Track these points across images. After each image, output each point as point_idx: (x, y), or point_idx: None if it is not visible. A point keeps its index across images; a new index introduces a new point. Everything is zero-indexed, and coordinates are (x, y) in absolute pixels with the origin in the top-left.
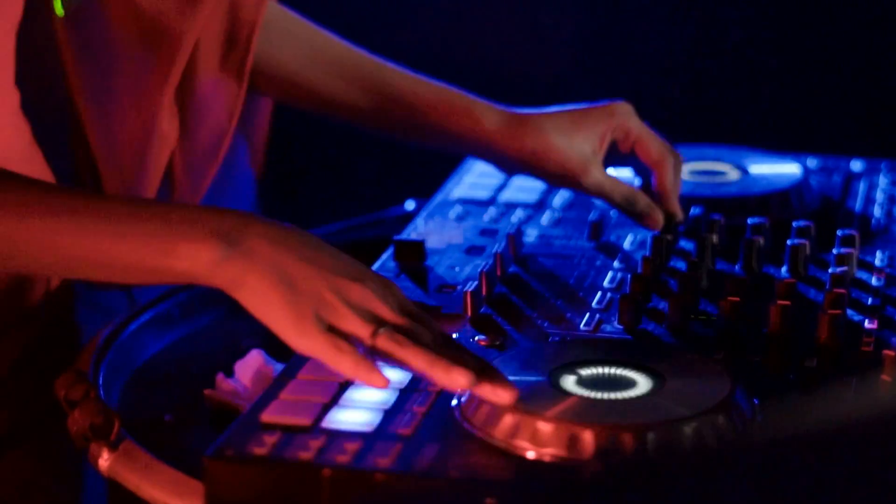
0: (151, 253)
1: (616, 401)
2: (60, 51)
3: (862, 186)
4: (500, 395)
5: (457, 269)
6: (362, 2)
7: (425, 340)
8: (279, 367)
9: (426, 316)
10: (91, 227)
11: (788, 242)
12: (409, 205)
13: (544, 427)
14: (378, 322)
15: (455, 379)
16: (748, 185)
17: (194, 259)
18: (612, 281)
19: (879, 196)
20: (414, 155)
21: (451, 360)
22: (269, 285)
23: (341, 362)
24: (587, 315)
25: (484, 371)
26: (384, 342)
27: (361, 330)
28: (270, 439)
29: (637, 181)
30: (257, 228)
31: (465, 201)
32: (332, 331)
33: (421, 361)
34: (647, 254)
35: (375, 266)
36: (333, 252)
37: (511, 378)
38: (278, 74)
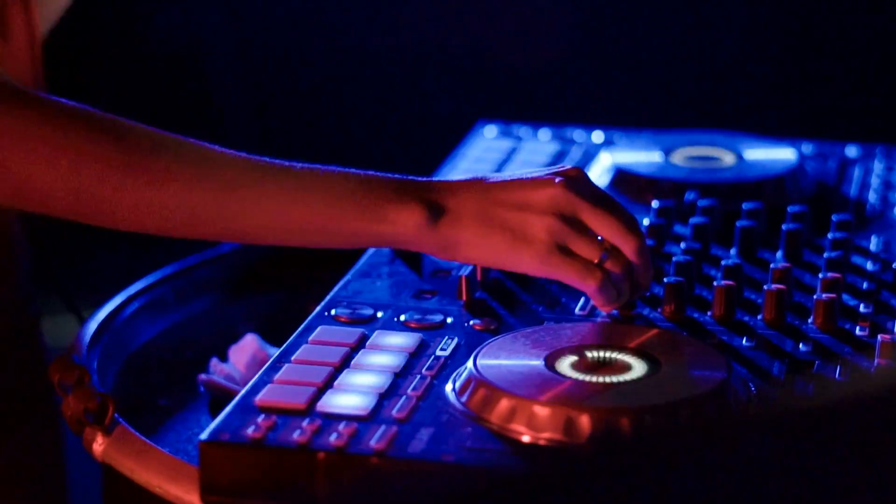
0: (361, 218)
1: (612, 384)
2: None
3: (857, 172)
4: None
5: None
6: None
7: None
8: (273, 351)
9: (620, 206)
10: (301, 194)
11: (783, 227)
12: None
13: (540, 411)
14: (600, 244)
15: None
16: (743, 170)
17: (403, 223)
18: None
19: (874, 181)
20: (414, 133)
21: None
22: (488, 234)
23: (590, 282)
24: (582, 300)
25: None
26: (612, 264)
27: (592, 253)
28: (265, 423)
29: None
30: (450, 189)
31: None
32: (571, 254)
33: (646, 274)
34: None
35: (371, 251)
36: (515, 176)
37: (506, 362)
38: None
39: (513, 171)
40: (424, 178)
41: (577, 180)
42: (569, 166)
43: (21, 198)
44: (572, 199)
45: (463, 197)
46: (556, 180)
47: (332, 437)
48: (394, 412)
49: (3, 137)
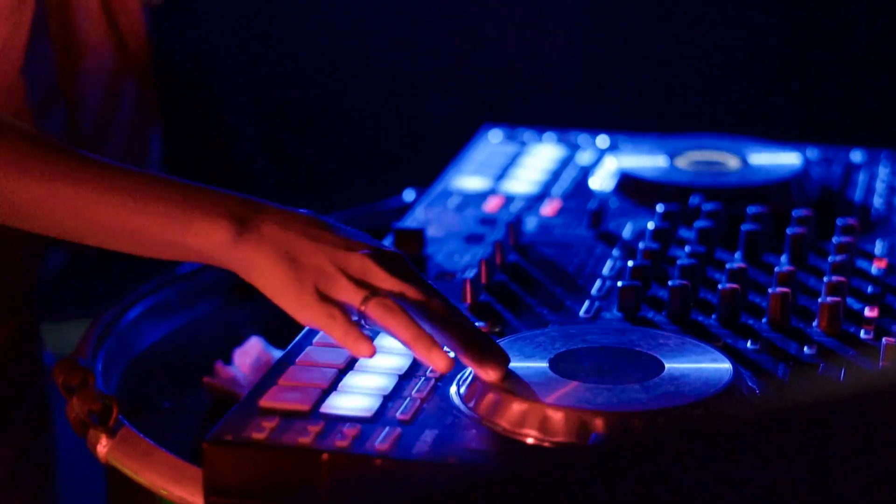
0: (169, 227)
1: (616, 387)
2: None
3: (862, 177)
4: (487, 374)
5: (456, 257)
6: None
7: (422, 310)
8: (278, 354)
9: (432, 288)
10: (114, 196)
11: (788, 231)
12: (409, 195)
13: (545, 413)
14: (371, 289)
15: (433, 360)
16: (748, 174)
17: (208, 237)
18: (611, 269)
19: (879, 186)
20: (412, 145)
21: (450, 334)
22: (275, 264)
23: (332, 328)
24: (587, 303)
25: (479, 348)
26: (374, 308)
27: (353, 297)
28: (269, 424)
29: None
30: (269, 212)
31: (464, 190)
32: (328, 300)
33: (406, 332)
34: (647, 242)
35: None
36: (341, 229)
37: (512, 365)
38: None
39: (349, 229)
40: (254, 198)
41: (389, 257)
42: (387, 243)
43: None
44: (372, 268)
45: (276, 221)
46: (363, 251)
47: (337, 439)
48: (398, 414)
49: None
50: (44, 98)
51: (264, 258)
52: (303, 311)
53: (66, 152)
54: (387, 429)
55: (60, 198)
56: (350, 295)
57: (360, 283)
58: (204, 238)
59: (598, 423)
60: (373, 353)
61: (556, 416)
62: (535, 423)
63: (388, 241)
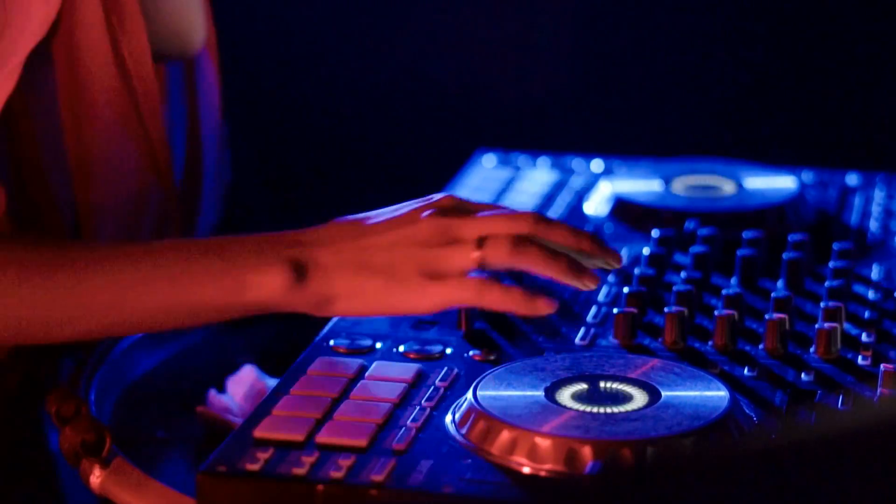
0: (221, 291)
1: (613, 415)
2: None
3: (858, 200)
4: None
5: None
6: (357, 16)
7: (526, 240)
8: (272, 382)
9: (511, 210)
10: (155, 274)
11: (784, 256)
12: None
13: (540, 442)
14: (471, 242)
15: (584, 282)
16: (744, 198)
17: (267, 288)
18: (607, 295)
19: (875, 210)
20: (412, 162)
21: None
22: (361, 284)
23: (486, 296)
24: (582, 330)
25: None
26: (493, 253)
27: (462, 257)
28: (263, 455)
29: None
30: (312, 243)
31: None
32: (440, 276)
33: (542, 263)
34: (643, 268)
35: None
36: (377, 214)
37: (505, 393)
38: None
39: (376, 211)
40: (283, 231)
41: (445, 206)
42: (439, 196)
43: None
44: (439, 222)
45: (326, 248)
46: (423, 214)
47: (331, 470)
48: (393, 444)
49: None
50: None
51: (341, 285)
52: (423, 300)
53: (93, 245)
54: (382, 459)
55: (96, 292)
56: (457, 257)
57: (457, 246)
58: (263, 291)
59: (595, 453)
60: (554, 306)
61: (551, 445)
62: (531, 451)
63: None
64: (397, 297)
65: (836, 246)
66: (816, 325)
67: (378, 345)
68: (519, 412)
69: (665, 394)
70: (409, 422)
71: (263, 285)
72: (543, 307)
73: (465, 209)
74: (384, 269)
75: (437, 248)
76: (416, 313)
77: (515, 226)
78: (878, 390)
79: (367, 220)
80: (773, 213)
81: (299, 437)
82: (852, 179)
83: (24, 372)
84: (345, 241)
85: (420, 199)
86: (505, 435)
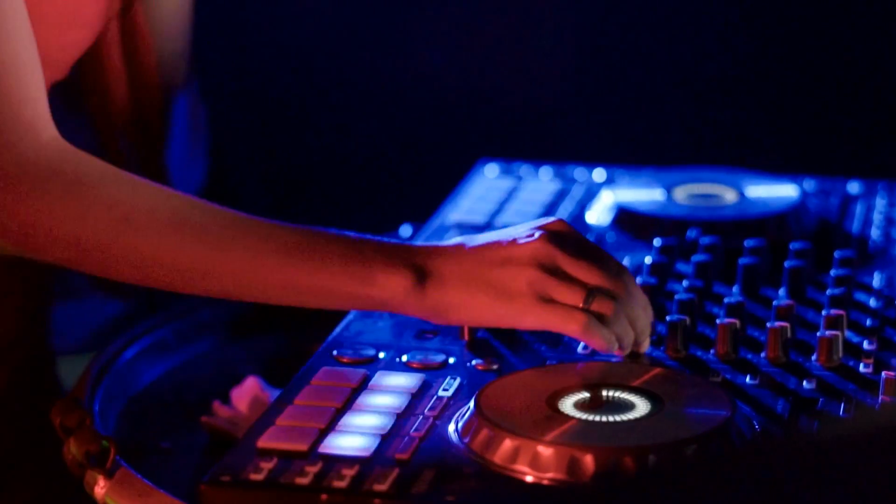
0: (351, 281)
1: (615, 424)
2: None
3: (859, 208)
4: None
5: None
6: (360, 26)
7: (625, 306)
8: (275, 392)
9: (625, 273)
10: (295, 256)
11: (786, 264)
12: (405, 230)
13: (543, 451)
14: (584, 290)
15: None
16: (745, 207)
17: (392, 288)
18: None
19: (877, 217)
20: (414, 172)
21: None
22: (471, 294)
23: (590, 336)
24: None
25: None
26: (598, 308)
27: (576, 301)
28: (267, 465)
29: None
30: (438, 253)
31: (461, 225)
32: (544, 300)
33: (621, 331)
34: (645, 277)
35: None
36: (497, 236)
37: (508, 402)
38: None
39: (497, 231)
40: (411, 243)
41: (558, 233)
42: (553, 219)
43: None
44: (552, 250)
45: (448, 260)
46: (537, 234)
47: (335, 479)
48: (396, 453)
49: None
50: None
51: (456, 294)
52: (528, 318)
53: (236, 216)
54: (385, 468)
55: (235, 262)
56: (571, 295)
57: (571, 282)
58: (387, 290)
59: (598, 461)
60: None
61: (554, 454)
62: (533, 460)
63: None
64: (504, 311)
65: (837, 254)
66: (818, 333)
67: (381, 355)
68: (521, 421)
69: (667, 402)
70: (412, 431)
71: (388, 284)
72: (637, 352)
73: (573, 240)
74: (496, 284)
75: (549, 277)
76: (518, 327)
77: (615, 285)
78: (880, 398)
79: (488, 239)
80: (774, 221)
81: (303, 446)
82: (854, 188)
83: (12, 368)
84: (465, 255)
85: (535, 222)
86: (507, 444)
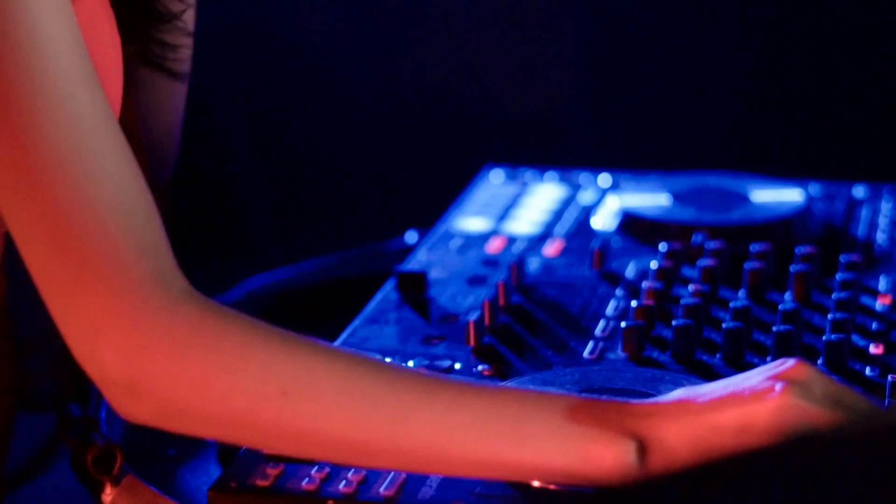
0: (561, 458)
1: None
2: None
3: (865, 212)
4: None
5: (459, 299)
6: (365, 32)
7: None
8: None
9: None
10: (491, 429)
11: (792, 268)
12: (411, 236)
13: None
14: None
15: None
16: (751, 211)
17: (608, 463)
18: (615, 309)
19: (882, 221)
20: (419, 178)
21: None
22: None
23: None
24: (591, 344)
25: None
26: None
27: None
28: (274, 471)
29: None
30: (656, 413)
31: (466, 231)
32: None
33: None
34: (650, 282)
35: (377, 298)
36: (729, 390)
37: None
38: None
39: (726, 381)
40: (623, 400)
41: (803, 384)
42: (791, 362)
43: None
44: (801, 411)
45: (672, 424)
46: (778, 389)
47: (342, 485)
48: None
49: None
50: None
51: (684, 464)
52: None
53: (408, 379)
54: (392, 474)
55: (418, 439)
56: None
57: None
58: (603, 466)
59: None
60: None
61: None
62: None
63: (390, 285)
64: None
65: (843, 258)
66: (824, 337)
67: (387, 360)
68: None
69: None
70: None
71: (605, 460)
72: None
73: (823, 391)
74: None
75: None
76: None
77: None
78: (887, 401)
79: (719, 394)
80: (780, 225)
81: None
82: (859, 191)
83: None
84: (686, 417)
85: (772, 367)
86: None
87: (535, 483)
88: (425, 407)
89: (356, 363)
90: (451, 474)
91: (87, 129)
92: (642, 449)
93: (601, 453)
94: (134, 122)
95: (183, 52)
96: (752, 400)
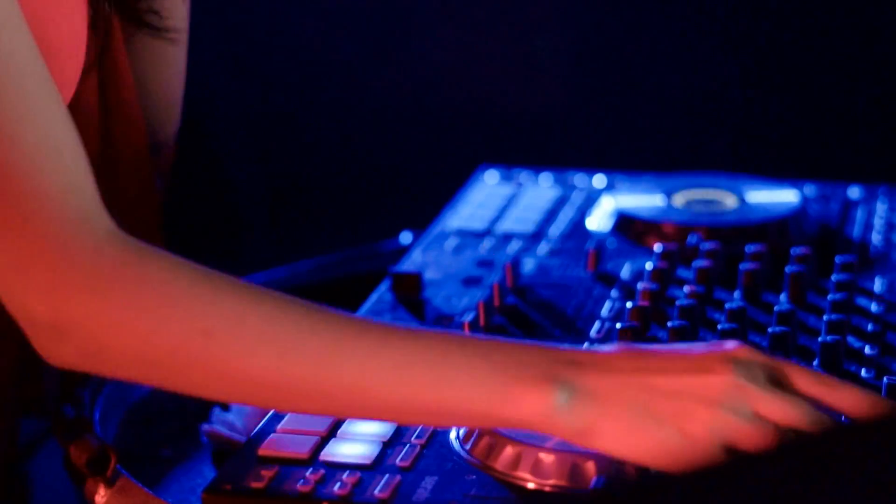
0: (482, 401)
1: None
2: None
3: (860, 213)
4: None
5: (454, 300)
6: (360, 33)
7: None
8: None
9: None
10: (414, 371)
11: (787, 269)
12: (405, 237)
13: (544, 457)
14: (776, 430)
15: None
16: (746, 212)
17: (529, 407)
18: (610, 310)
19: (878, 222)
20: (414, 178)
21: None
22: (637, 428)
23: None
24: (586, 345)
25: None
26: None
27: (766, 445)
28: (268, 473)
29: None
30: (585, 365)
31: (461, 232)
32: (735, 448)
33: None
34: (645, 283)
35: (372, 298)
36: (666, 355)
37: None
38: None
39: (667, 349)
40: (552, 345)
41: (749, 364)
42: (735, 343)
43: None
44: (738, 385)
45: (606, 375)
46: (719, 366)
47: (336, 487)
48: (398, 461)
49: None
50: None
51: (611, 422)
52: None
53: (331, 321)
54: (387, 476)
55: (343, 380)
56: (759, 439)
57: (753, 420)
58: (523, 408)
59: (599, 468)
60: None
61: (556, 461)
62: (535, 467)
63: (385, 286)
64: (678, 453)
65: (838, 259)
66: (819, 339)
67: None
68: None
69: None
70: (413, 438)
71: (525, 402)
72: None
73: (763, 370)
74: (666, 420)
75: (735, 418)
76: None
77: (813, 422)
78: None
79: (655, 356)
80: (775, 226)
81: (304, 454)
82: (854, 192)
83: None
84: (626, 373)
85: (712, 344)
86: (509, 450)
87: (531, 485)
88: (349, 348)
89: (282, 304)
90: (374, 418)
91: (10, 70)
92: (569, 393)
93: (522, 397)
94: (128, 84)
95: (176, 13)
96: (697, 369)
